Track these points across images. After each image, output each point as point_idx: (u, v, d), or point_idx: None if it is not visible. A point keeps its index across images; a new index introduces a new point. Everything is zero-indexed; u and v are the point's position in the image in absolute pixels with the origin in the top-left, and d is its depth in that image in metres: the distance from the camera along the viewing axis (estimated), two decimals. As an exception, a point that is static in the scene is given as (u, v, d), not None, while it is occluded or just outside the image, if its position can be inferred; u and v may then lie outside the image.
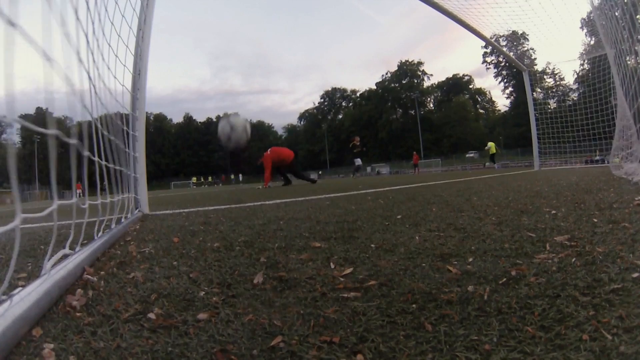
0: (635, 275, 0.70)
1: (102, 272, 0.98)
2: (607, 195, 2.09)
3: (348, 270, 0.88)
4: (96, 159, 1.25)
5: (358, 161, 16.20)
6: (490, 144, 18.56)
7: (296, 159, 8.72)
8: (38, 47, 0.71)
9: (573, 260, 0.85)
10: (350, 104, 71.23)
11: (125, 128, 1.80)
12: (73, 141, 0.93)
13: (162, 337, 0.58)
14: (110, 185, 1.62)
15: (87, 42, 1.16)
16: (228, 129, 4.25)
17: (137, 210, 2.63)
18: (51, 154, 0.72)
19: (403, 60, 62.74)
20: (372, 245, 1.14)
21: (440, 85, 62.64)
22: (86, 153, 1.05)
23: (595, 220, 1.32)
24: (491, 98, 61.74)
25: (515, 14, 7.11)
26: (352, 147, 15.54)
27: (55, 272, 0.78)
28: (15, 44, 0.58)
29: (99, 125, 1.31)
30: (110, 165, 1.48)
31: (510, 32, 9.90)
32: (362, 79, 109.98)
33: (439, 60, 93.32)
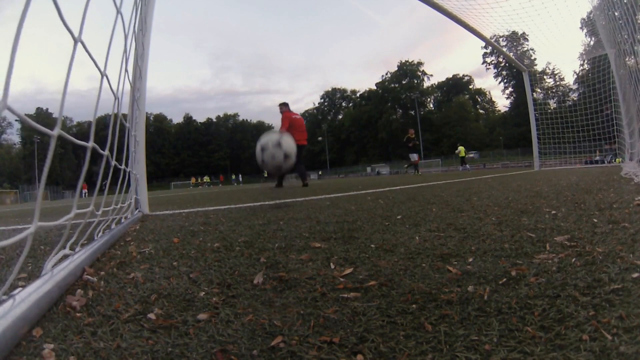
0: (635, 275, 0.70)
1: (102, 273, 0.98)
2: (607, 195, 2.09)
3: (348, 271, 0.88)
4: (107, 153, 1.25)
5: (415, 156, 14.24)
6: (460, 148, 19.49)
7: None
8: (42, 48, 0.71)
9: (573, 260, 0.85)
10: (350, 104, 71.28)
11: (127, 125, 1.79)
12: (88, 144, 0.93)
13: (162, 337, 0.58)
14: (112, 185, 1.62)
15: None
16: (282, 156, 3.58)
17: (137, 210, 2.63)
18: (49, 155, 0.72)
19: (403, 61, 62.77)
20: (372, 246, 1.14)
21: (440, 86, 62.65)
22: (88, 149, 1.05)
23: (595, 220, 1.32)
24: (491, 98, 61.76)
25: (515, 14, 7.12)
26: (406, 140, 13.89)
27: (55, 272, 0.78)
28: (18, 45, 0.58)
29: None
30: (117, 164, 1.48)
31: (510, 32, 9.90)
32: (362, 79, 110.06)
33: (439, 60, 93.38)
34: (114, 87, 1.35)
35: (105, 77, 1.10)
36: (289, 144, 3.79)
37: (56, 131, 0.73)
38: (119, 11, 1.23)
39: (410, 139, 13.89)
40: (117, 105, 1.39)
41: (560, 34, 8.04)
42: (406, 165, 15.77)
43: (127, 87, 1.90)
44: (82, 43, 0.85)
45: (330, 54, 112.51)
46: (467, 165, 19.67)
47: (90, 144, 1.00)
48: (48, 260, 0.84)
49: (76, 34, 0.83)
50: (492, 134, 54.10)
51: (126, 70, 1.55)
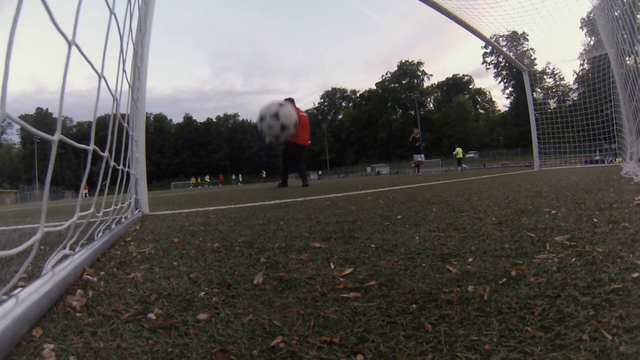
0: (635, 275, 0.70)
1: (102, 273, 0.98)
2: (607, 195, 2.09)
3: (348, 271, 0.88)
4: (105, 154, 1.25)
5: (421, 157, 13.94)
6: (458, 149, 19.82)
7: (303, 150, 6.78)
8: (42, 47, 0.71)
9: (573, 260, 0.84)
10: (350, 104, 71.32)
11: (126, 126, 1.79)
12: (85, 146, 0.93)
13: (162, 337, 0.58)
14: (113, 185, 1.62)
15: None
16: (278, 127, 3.61)
17: (137, 210, 2.63)
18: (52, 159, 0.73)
19: (403, 61, 62.89)
20: (372, 246, 1.14)
21: (440, 86, 62.73)
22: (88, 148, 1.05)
23: (595, 220, 1.32)
24: (491, 98, 61.88)
25: (515, 14, 7.11)
26: (412, 140, 13.70)
27: (55, 272, 0.78)
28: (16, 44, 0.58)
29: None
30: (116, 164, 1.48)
31: (510, 32, 9.89)
32: (362, 79, 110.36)
33: (439, 60, 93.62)
34: (113, 88, 1.35)
35: (102, 79, 1.09)
36: (287, 115, 3.75)
37: (56, 136, 0.73)
38: (112, 12, 1.22)
39: (416, 139, 13.70)
40: (116, 106, 1.39)
41: (560, 33, 8.05)
42: (413, 165, 15.60)
43: (127, 87, 1.90)
44: (77, 46, 0.85)
45: (330, 54, 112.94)
46: (464, 165, 20.23)
47: (91, 147, 1.00)
48: (48, 261, 0.84)
49: (71, 37, 0.83)
50: (492, 134, 54.19)
51: (124, 71, 1.55)
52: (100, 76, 1.07)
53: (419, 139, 13.86)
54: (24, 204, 18.53)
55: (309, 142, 6.82)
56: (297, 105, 6.23)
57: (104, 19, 1.24)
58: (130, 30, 1.63)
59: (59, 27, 0.77)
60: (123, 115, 1.70)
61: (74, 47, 0.86)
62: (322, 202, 2.82)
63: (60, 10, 0.81)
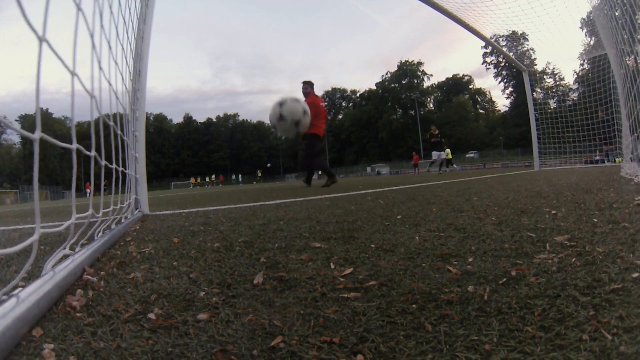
0: (635, 275, 0.70)
1: (102, 273, 0.98)
2: (607, 195, 2.09)
3: (348, 271, 0.88)
4: (96, 154, 1.25)
5: (441, 154, 13.66)
6: (447, 150, 19.98)
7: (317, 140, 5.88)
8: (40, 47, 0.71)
9: (573, 260, 0.85)
10: (350, 104, 71.35)
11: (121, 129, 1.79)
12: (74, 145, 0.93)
13: (162, 337, 0.58)
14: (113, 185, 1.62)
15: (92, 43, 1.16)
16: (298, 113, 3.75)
17: (137, 210, 2.63)
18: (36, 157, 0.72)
19: (403, 61, 62.82)
20: (372, 246, 1.14)
21: (440, 86, 62.71)
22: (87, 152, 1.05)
23: (595, 220, 1.32)
24: (491, 98, 61.83)
25: (514, 14, 7.11)
26: (429, 136, 13.66)
27: (55, 272, 0.78)
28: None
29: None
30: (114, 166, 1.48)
31: (510, 32, 9.90)
32: (362, 79, 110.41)
33: (439, 60, 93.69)
34: (113, 88, 1.34)
35: (75, 76, 1.05)
36: (291, 111, 4.01)
37: (37, 134, 0.72)
38: (79, 7, 1.13)
39: (433, 135, 13.56)
40: (98, 106, 1.36)
41: (560, 34, 8.05)
42: (439, 165, 15.20)
43: (127, 87, 1.91)
44: (48, 42, 0.83)
45: (330, 54, 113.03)
46: (447, 168, 20.54)
47: (74, 145, 0.99)
48: (48, 261, 0.84)
49: (41, 32, 0.81)
50: (492, 134, 54.19)
51: (101, 69, 1.51)
52: (73, 74, 1.03)
53: (438, 135, 13.67)
54: (24, 204, 18.52)
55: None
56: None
57: (105, 17, 1.22)
58: (138, 30, 1.62)
59: (30, 23, 0.74)
60: (122, 115, 1.69)
61: (65, 46, 0.85)
62: (322, 202, 2.82)
63: (54, 7, 0.81)
